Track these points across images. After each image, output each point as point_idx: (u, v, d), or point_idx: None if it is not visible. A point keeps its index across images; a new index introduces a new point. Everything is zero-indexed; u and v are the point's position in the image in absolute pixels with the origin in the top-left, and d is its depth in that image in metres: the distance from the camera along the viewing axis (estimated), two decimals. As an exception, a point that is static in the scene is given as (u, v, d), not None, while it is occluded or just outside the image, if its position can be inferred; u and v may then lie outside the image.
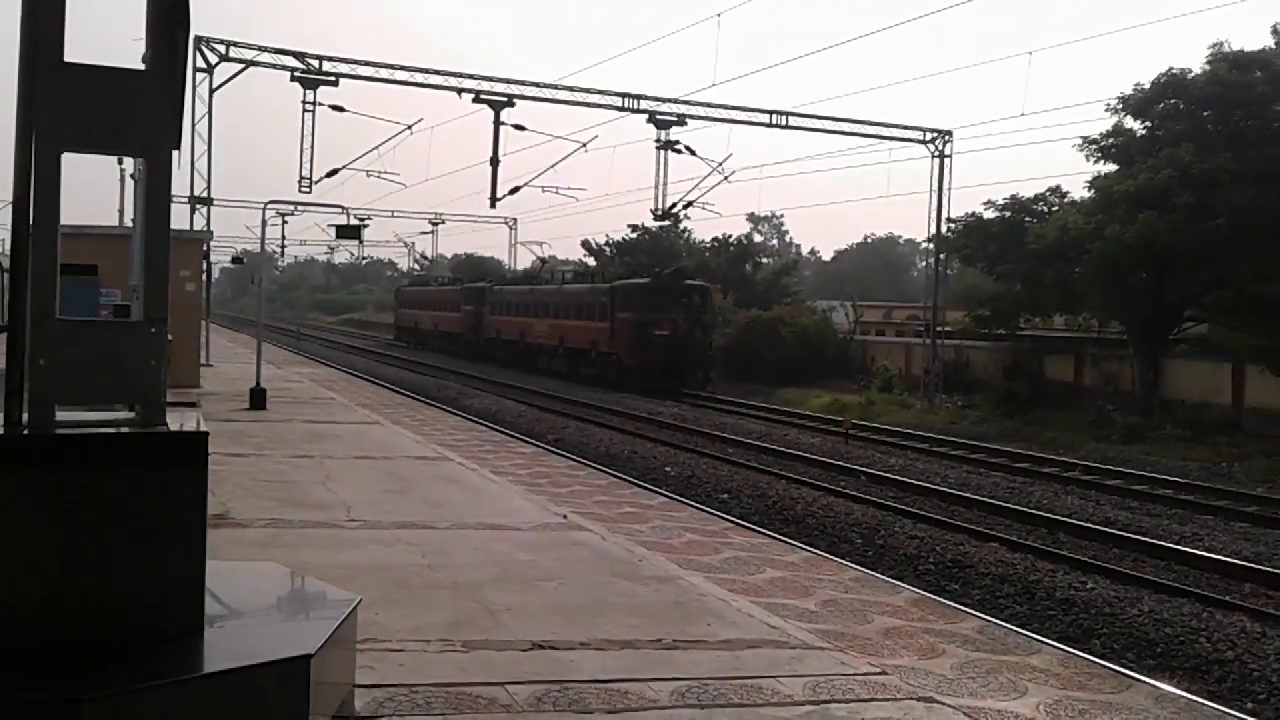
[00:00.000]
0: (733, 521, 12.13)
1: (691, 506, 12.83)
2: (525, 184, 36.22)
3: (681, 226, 64.03)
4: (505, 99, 32.31)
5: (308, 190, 33.14)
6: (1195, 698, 7.20)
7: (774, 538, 11.21)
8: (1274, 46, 37.67)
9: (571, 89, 33.21)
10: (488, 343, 50.53)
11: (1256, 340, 27.10)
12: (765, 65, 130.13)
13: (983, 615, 8.50)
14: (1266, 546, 14.24)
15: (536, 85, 32.98)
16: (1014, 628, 8.22)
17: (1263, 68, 34.99)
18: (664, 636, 6.81)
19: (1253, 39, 61.70)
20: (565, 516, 10.65)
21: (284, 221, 50.32)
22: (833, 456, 21.29)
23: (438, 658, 6.19)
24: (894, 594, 8.66)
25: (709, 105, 34.58)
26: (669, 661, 6.36)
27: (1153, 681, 7.52)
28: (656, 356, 35.55)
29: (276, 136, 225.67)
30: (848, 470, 19.66)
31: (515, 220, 67.75)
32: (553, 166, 36.93)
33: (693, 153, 34.80)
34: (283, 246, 62.84)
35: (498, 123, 32.33)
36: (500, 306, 49.90)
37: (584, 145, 34.54)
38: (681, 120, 34.72)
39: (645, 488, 14.31)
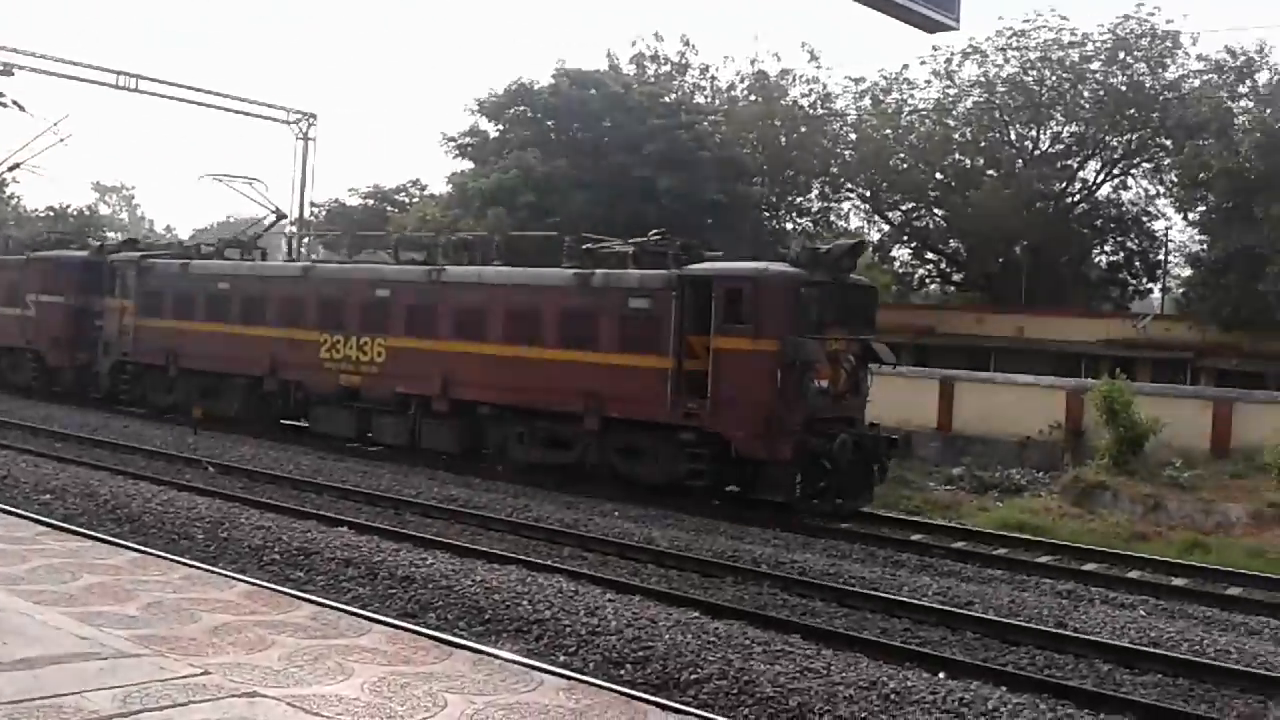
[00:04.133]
0: (49, 525, 10.96)
1: None
2: None
3: (9, 193, 56.43)
4: None
5: None
6: (513, 656, 7.86)
7: (97, 539, 10.36)
8: (608, 69, 42.72)
9: None
10: (127, 373, 25.85)
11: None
12: (111, 19, 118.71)
13: (318, 601, 8.53)
14: (582, 513, 16.02)
15: None
16: (348, 610, 8.36)
17: (598, 87, 39.43)
18: (-57, 665, 5.88)
19: (594, 60, 69.28)
20: None
21: None
22: (179, 449, 20.09)
23: None
24: (228, 589, 8.38)
25: (43, 57, 30.87)
26: (-53, 694, 5.51)
27: (476, 646, 8.09)
28: (816, 439, 16.43)
29: None
30: (194, 462, 18.79)
31: None
32: None
33: (21, 108, 30.85)
34: None
35: None
36: (183, 301, 24.82)
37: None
38: (8, 69, 30.62)
39: (-58, 494, 12.35)
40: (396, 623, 8.20)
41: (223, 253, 26.08)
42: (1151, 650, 10.53)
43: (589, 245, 19.57)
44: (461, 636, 9.20)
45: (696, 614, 10.73)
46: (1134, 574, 14.27)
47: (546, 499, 17.05)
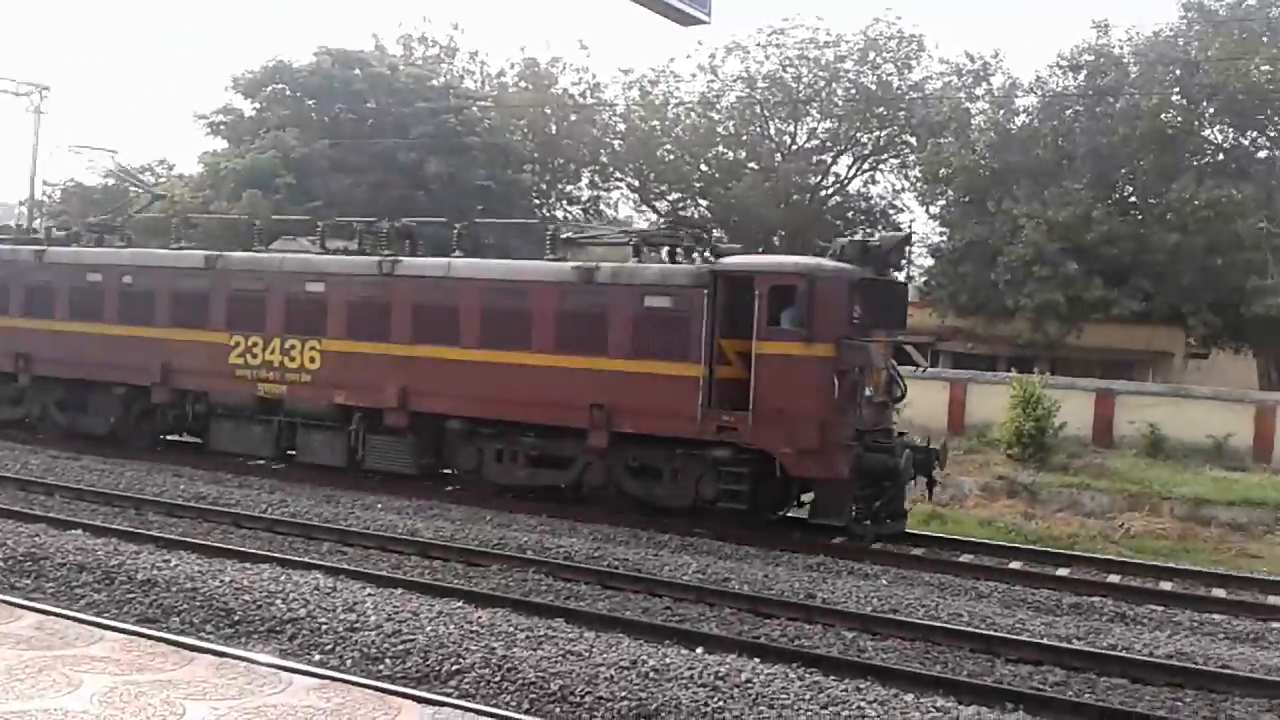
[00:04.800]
0: None
1: None
2: None
3: None
4: None
5: None
6: (260, 658, 7.54)
7: None
8: (374, 50, 41.66)
9: None
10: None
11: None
12: None
13: (43, 609, 7.93)
14: (343, 507, 15.51)
15: None
16: (77, 618, 7.81)
17: (362, 67, 38.41)
18: None
19: (358, 40, 67.22)
20: None
21: None
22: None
23: None
24: (-62, 602, 7.66)
25: None
26: None
27: (220, 649, 7.71)
28: (874, 454, 15.03)
29: None
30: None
31: None
32: None
33: None
34: None
35: None
36: (39, 295, 20.74)
37: None
38: None
39: None
40: (132, 629, 7.71)
41: (78, 238, 21.93)
42: (891, 616, 11.19)
43: (569, 235, 17.26)
44: (206, 640, 8.75)
45: (460, 604, 10.61)
46: (877, 545, 15.09)
47: (303, 494, 16.43)
